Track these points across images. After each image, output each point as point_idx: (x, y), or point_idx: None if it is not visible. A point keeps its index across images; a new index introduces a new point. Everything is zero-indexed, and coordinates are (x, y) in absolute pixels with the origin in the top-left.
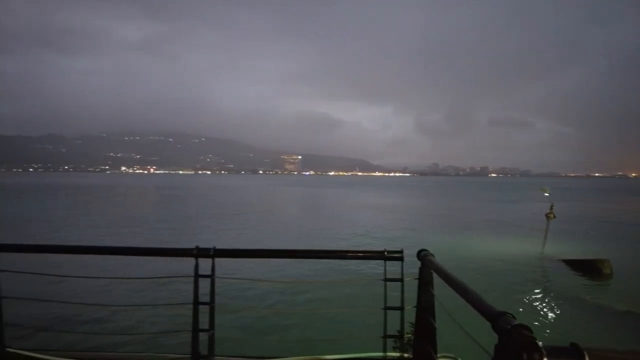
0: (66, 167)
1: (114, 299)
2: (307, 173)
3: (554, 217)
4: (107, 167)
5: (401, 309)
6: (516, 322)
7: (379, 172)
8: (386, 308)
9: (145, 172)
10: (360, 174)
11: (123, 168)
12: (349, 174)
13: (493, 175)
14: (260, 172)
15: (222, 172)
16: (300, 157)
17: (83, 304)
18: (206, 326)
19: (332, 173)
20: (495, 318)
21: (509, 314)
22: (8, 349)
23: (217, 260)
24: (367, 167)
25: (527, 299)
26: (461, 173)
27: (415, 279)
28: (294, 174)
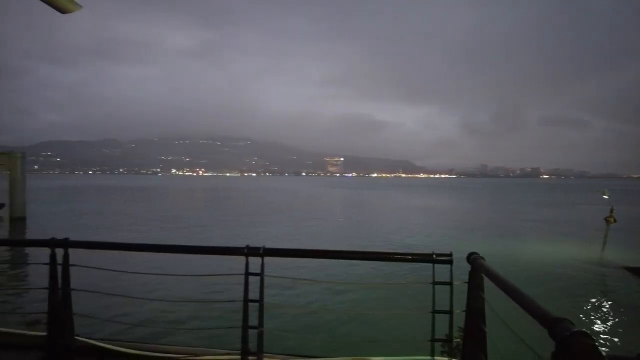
0: (121, 170)
1: (170, 294)
2: (350, 175)
3: (615, 221)
4: (158, 170)
5: (450, 312)
6: (576, 329)
7: (423, 173)
8: (434, 311)
9: (195, 174)
10: (404, 175)
11: (174, 170)
12: (393, 175)
13: (545, 177)
14: (304, 174)
15: (267, 174)
16: (342, 159)
17: (142, 299)
18: (256, 323)
19: (375, 175)
20: (553, 324)
21: (568, 320)
22: (77, 338)
23: (265, 259)
24: (412, 168)
25: (585, 307)
26: (511, 175)
27: (465, 282)
28: (336, 176)
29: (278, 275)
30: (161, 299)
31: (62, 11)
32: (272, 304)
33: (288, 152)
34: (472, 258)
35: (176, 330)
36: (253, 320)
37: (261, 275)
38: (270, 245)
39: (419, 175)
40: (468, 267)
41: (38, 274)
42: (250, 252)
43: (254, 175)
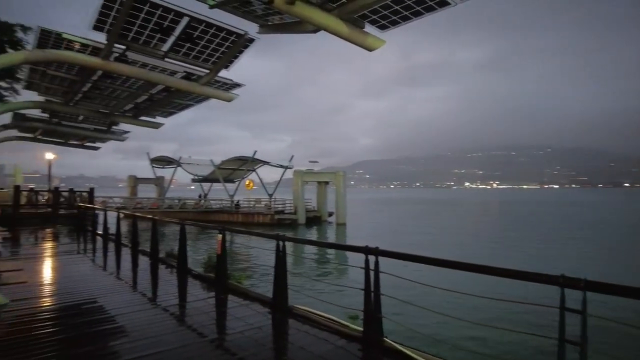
0: (417, 184)
1: (469, 315)
2: None
3: None
4: (452, 183)
5: None
6: None
7: None
8: None
9: (488, 187)
10: None
11: (467, 183)
12: None
13: None
14: (626, 184)
15: (572, 185)
16: None
17: (443, 314)
18: None
19: None
20: None
21: None
22: (385, 338)
23: (588, 294)
24: None
25: None
26: None
27: None
28: None
29: (607, 316)
30: (462, 318)
31: (370, 49)
32: (596, 350)
33: (601, 158)
34: None
35: (475, 353)
36: None
37: (582, 312)
38: (591, 276)
39: None
40: None
41: (357, 275)
42: (566, 282)
43: (556, 186)
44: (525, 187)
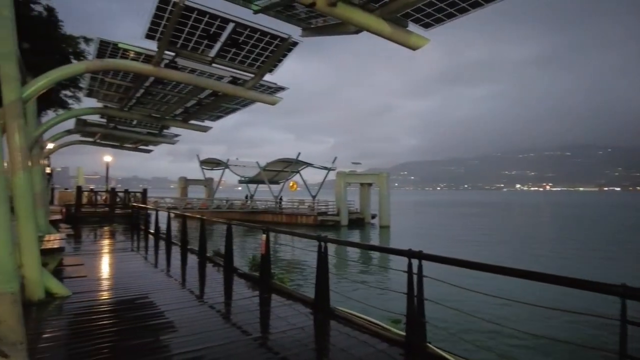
0: (465, 186)
1: (519, 323)
2: None
3: None
4: (502, 185)
5: None
6: None
7: None
8: None
9: (541, 189)
10: None
11: (517, 185)
12: None
13: None
14: None
15: (637, 188)
16: None
17: (491, 322)
18: None
19: None
20: None
21: None
22: (428, 344)
23: None
24: None
25: None
26: None
27: None
28: None
29: None
30: (510, 326)
31: (413, 48)
32: None
33: None
34: None
35: None
36: None
37: None
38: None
39: None
40: None
41: (400, 278)
42: (628, 292)
43: (617, 189)
44: (581, 189)
